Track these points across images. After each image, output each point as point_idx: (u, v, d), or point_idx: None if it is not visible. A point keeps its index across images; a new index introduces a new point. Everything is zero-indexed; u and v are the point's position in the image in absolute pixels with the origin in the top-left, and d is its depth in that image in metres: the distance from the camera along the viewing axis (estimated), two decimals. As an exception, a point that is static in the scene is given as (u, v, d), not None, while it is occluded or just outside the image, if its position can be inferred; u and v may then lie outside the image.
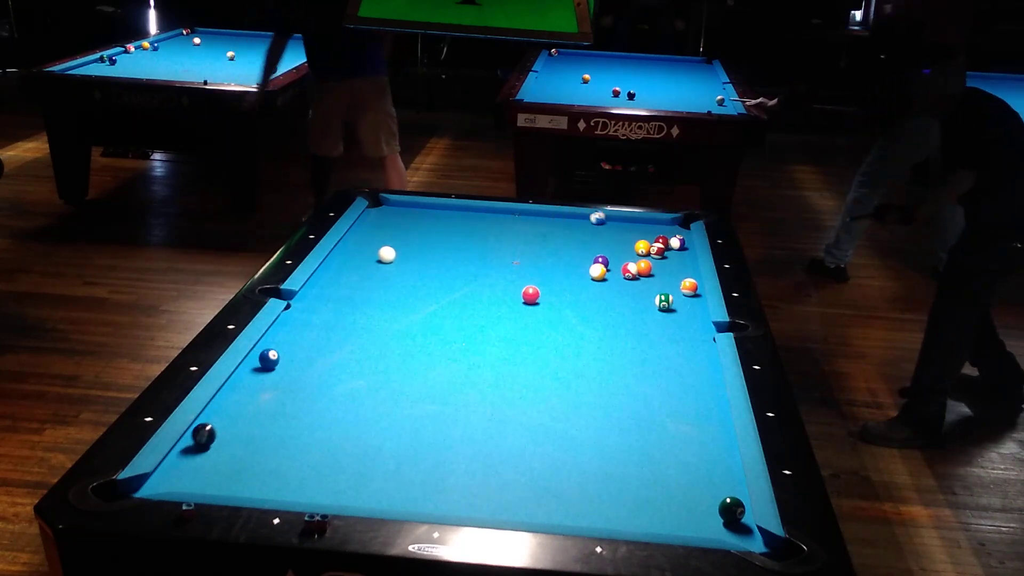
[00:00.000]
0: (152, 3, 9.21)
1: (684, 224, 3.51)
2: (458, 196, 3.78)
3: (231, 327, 2.45)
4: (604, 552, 1.65)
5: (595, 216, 3.51)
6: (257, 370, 2.31)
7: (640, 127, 4.88)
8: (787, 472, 1.92)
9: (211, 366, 2.25)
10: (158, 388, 2.15)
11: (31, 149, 6.90)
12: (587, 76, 5.90)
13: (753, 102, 5.17)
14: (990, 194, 3.45)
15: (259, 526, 1.68)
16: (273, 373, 2.30)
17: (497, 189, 6.00)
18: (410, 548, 1.65)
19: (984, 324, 3.82)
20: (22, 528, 3.01)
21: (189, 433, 1.98)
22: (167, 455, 1.91)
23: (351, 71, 5.10)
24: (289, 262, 2.91)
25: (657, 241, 3.26)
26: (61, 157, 5.71)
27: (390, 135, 5.28)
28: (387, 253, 3.08)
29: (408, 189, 5.54)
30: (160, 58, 6.18)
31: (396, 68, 5.82)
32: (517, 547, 1.68)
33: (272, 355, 2.32)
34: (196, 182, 6.58)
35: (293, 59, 5.94)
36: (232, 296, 2.69)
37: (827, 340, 4.60)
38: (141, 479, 1.81)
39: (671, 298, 2.79)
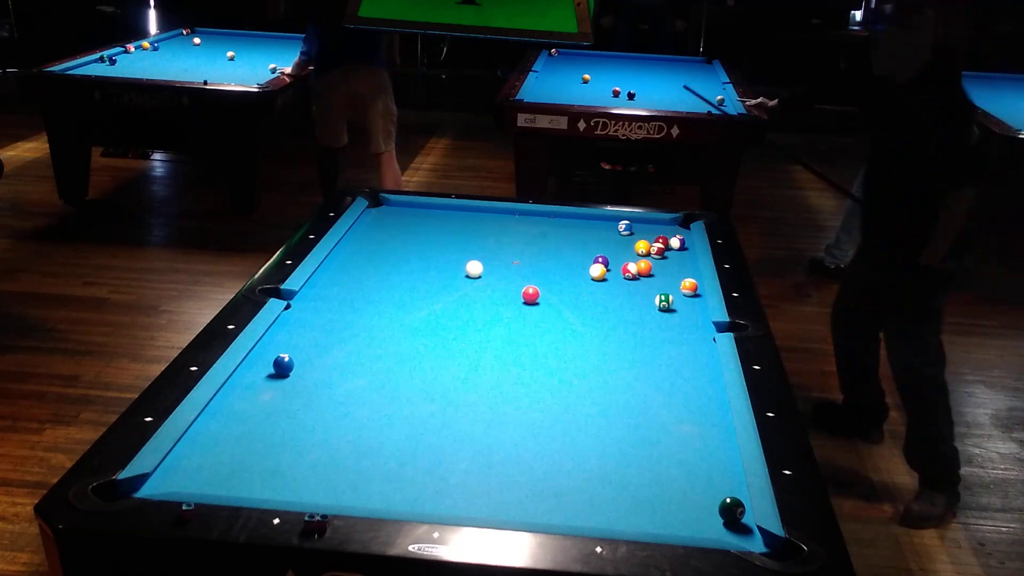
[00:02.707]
0: (152, 3, 9.21)
1: (684, 224, 3.51)
2: (458, 196, 3.78)
3: (231, 327, 2.45)
4: (604, 552, 1.65)
5: (622, 224, 3.42)
6: (272, 376, 2.29)
7: (640, 127, 4.88)
8: (787, 472, 1.92)
9: (211, 366, 2.25)
10: (158, 388, 2.15)
11: (31, 149, 6.90)
12: (587, 76, 5.89)
13: (753, 102, 5.16)
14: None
15: (259, 526, 1.68)
16: (273, 373, 2.30)
17: (497, 189, 6.00)
18: (410, 548, 1.65)
19: (874, 348, 3.59)
20: (22, 528, 3.01)
21: (189, 433, 1.98)
22: (167, 455, 1.91)
23: (349, 60, 5.17)
24: (289, 262, 2.91)
25: (657, 241, 3.26)
26: (61, 157, 5.70)
27: (387, 133, 5.36)
28: (474, 268, 2.98)
29: (403, 188, 5.56)
30: (160, 58, 6.18)
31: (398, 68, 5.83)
32: (517, 547, 1.68)
33: (285, 358, 2.30)
34: (196, 182, 6.58)
35: (293, 58, 5.93)
36: (232, 296, 2.69)
37: (827, 340, 4.58)
38: (141, 479, 1.81)
39: (671, 298, 2.79)
